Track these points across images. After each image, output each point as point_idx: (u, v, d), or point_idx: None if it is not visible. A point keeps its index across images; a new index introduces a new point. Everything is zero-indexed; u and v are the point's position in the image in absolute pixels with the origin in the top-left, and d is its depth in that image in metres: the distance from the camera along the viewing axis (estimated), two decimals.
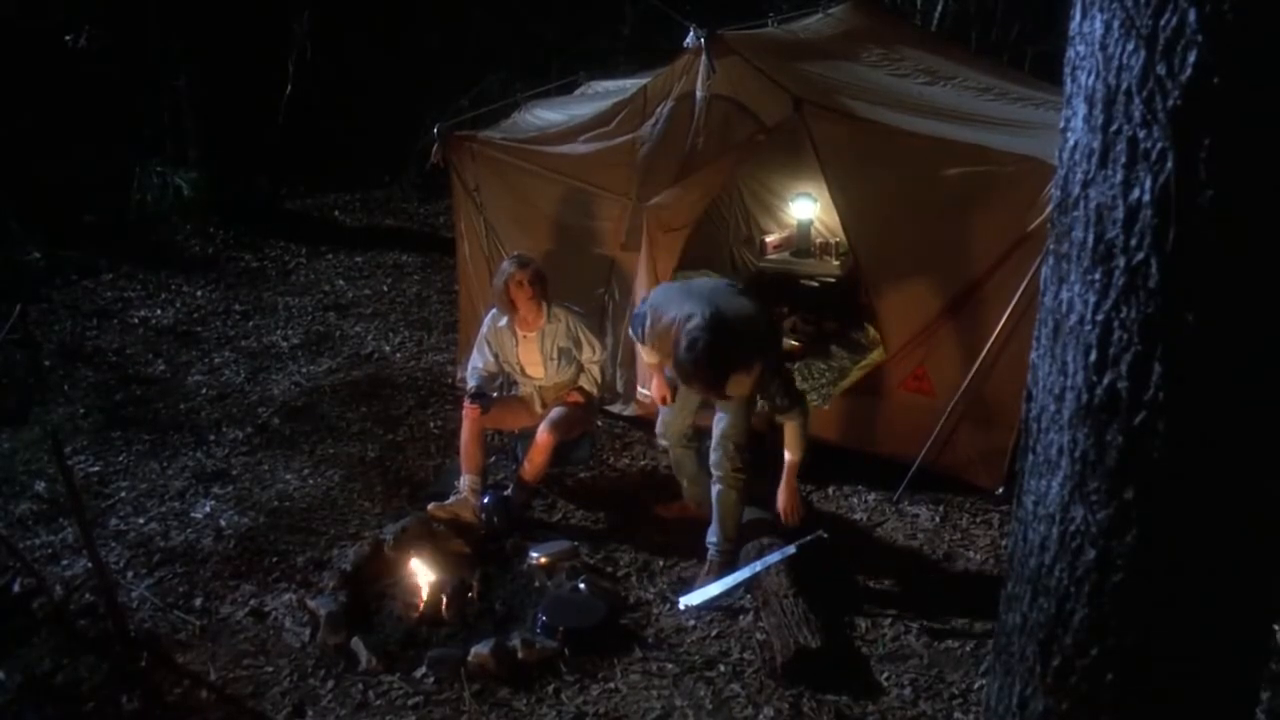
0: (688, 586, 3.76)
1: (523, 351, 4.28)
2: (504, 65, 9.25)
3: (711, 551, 3.79)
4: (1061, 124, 1.67)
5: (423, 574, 3.68)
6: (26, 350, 3.75)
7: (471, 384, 4.30)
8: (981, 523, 4.18)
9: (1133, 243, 1.52)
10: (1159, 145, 1.47)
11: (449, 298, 6.75)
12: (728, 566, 3.74)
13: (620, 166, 4.63)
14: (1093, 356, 1.62)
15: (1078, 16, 1.60)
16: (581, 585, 3.67)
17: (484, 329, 4.36)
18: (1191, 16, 1.40)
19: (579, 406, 4.28)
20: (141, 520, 4.36)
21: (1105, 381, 1.60)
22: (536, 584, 3.77)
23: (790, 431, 3.65)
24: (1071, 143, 1.63)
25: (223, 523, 4.31)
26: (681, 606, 3.64)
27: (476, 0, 10.13)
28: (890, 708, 3.15)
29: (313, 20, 8.82)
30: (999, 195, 3.97)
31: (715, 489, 3.74)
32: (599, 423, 4.70)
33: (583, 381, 4.33)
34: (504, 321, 4.26)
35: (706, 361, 3.28)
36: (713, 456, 3.71)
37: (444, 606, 3.59)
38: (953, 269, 4.15)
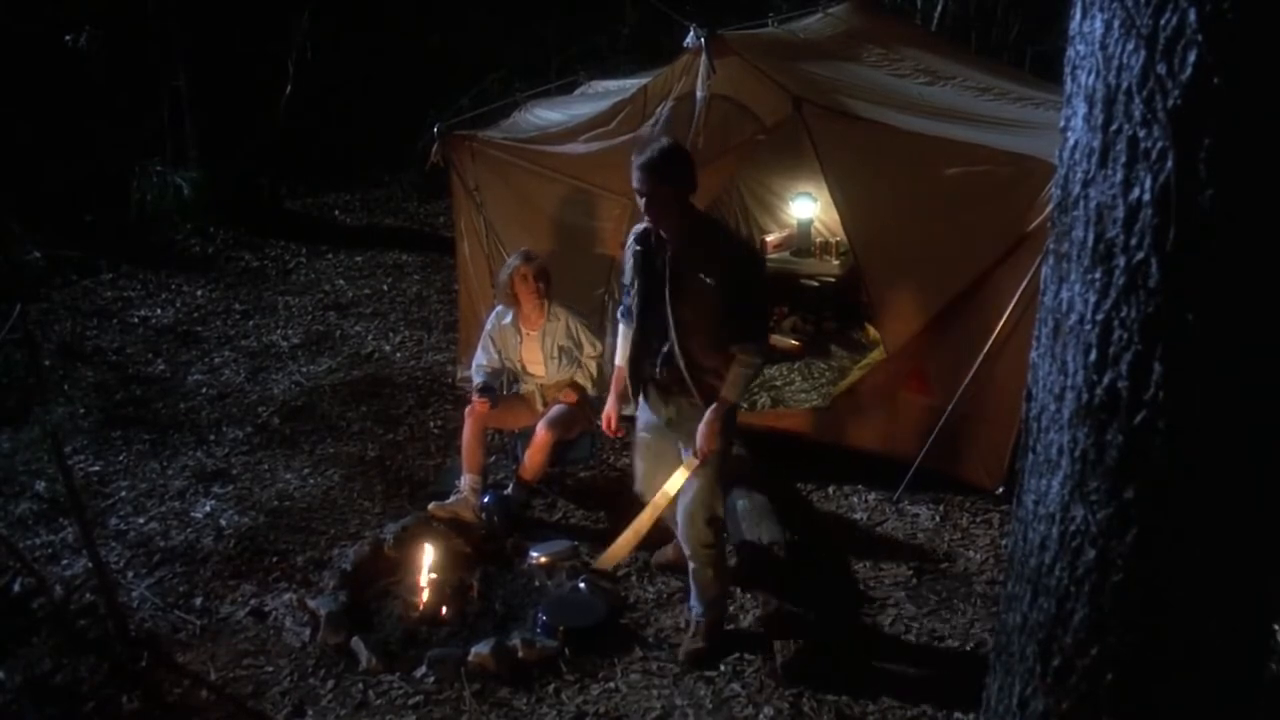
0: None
1: (525, 349, 4.29)
2: (504, 65, 9.26)
3: (696, 614, 3.46)
4: (1061, 123, 1.67)
5: (423, 574, 3.68)
6: (26, 350, 3.74)
7: (477, 380, 4.30)
8: (981, 523, 4.18)
9: (1133, 242, 1.52)
10: (1159, 145, 1.46)
11: (449, 298, 6.75)
12: (716, 626, 3.46)
13: (620, 166, 4.60)
14: (1093, 356, 1.62)
15: (1078, 16, 1.60)
16: (581, 585, 3.67)
17: (488, 326, 4.38)
18: (1191, 16, 1.40)
19: (578, 405, 4.28)
20: (141, 520, 4.36)
21: (1105, 381, 1.60)
22: (536, 584, 3.77)
23: (735, 368, 3.10)
24: (1071, 142, 1.63)
25: (223, 522, 4.31)
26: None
27: (477, 0, 10.13)
28: (890, 708, 3.15)
29: (313, 20, 8.82)
30: (999, 195, 3.96)
31: (690, 566, 3.39)
32: (599, 422, 4.70)
33: (578, 377, 4.32)
34: (508, 319, 4.28)
35: (669, 148, 3.00)
36: (681, 529, 3.33)
37: (444, 606, 3.59)
38: (953, 269, 4.15)
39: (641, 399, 3.37)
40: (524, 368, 4.34)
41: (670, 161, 2.97)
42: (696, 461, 3.17)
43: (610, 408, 3.52)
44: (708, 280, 3.02)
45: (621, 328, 3.40)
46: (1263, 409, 1.56)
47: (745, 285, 3.07)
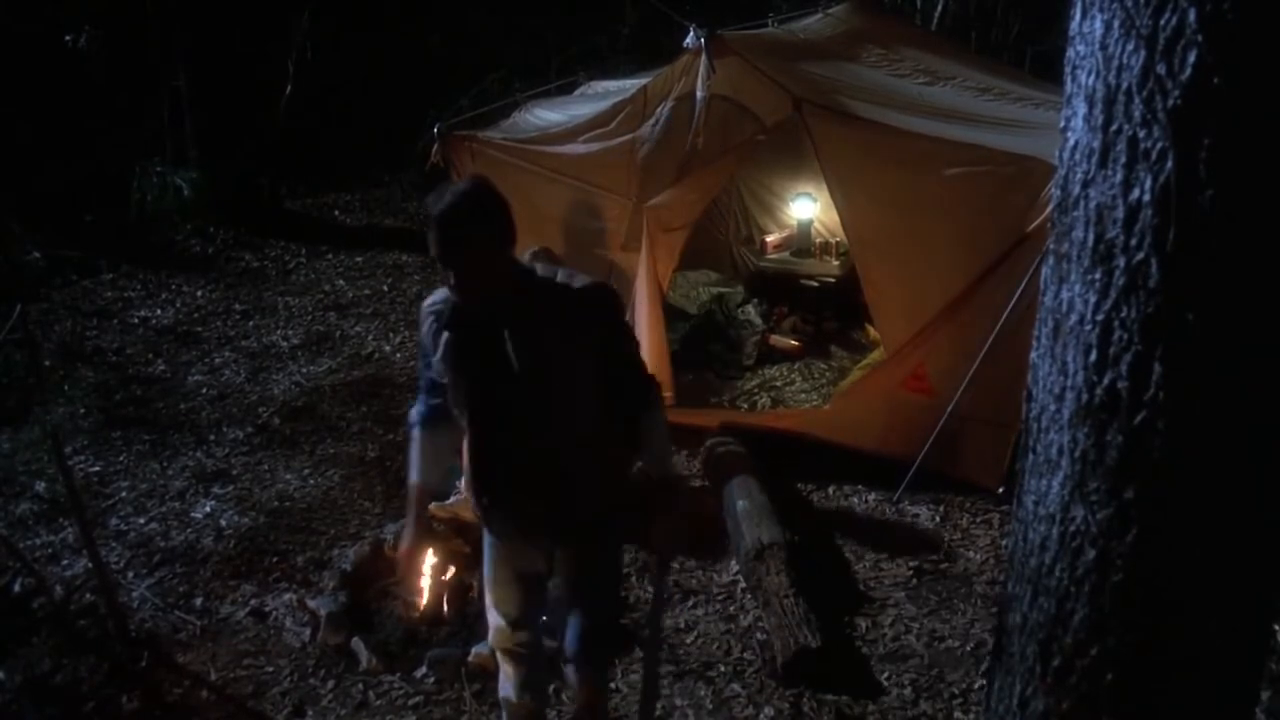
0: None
1: None
2: (504, 65, 9.26)
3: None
4: (1061, 124, 1.67)
5: (423, 574, 3.68)
6: (26, 350, 3.75)
7: None
8: (981, 523, 4.17)
9: (1133, 243, 1.52)
10: (1159, 145, 1.46)
11: None
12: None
13: (620, 166, 4.64)
14: (1093, 356, 1.62)
15: (1078, 16, 1.60)
16: None
17: None
18: (1191, 16, 1.40)
19: None
20: (141, 520, 4.36)
21: (1105, 381, 1.60)
22: None
23: (648, 428, 2.43)
24: (1071, 142, 1.63)
25: (223, 523, 4.31)
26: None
27: (477, 0, 10.14)
28: (890, 708, 3.15)
29: (313, 20, 8.83)
30: (999, 195, 3.96)
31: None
32: None
33: None
34: None
35: (472, 192, 2.16)
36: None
37: (444, 606, 3.59)
38: (953, 269, 4.15)
39: (496, 512, 2.57)
40: None
41: (482, 209, 2.15)
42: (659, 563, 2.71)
43: (409, 540, 2.64)
44: (573, 342, 2.28)
45: (419, 435, 2.53)
46: (1263, 409, 1.56)
47: (616, 330, 2.40)
